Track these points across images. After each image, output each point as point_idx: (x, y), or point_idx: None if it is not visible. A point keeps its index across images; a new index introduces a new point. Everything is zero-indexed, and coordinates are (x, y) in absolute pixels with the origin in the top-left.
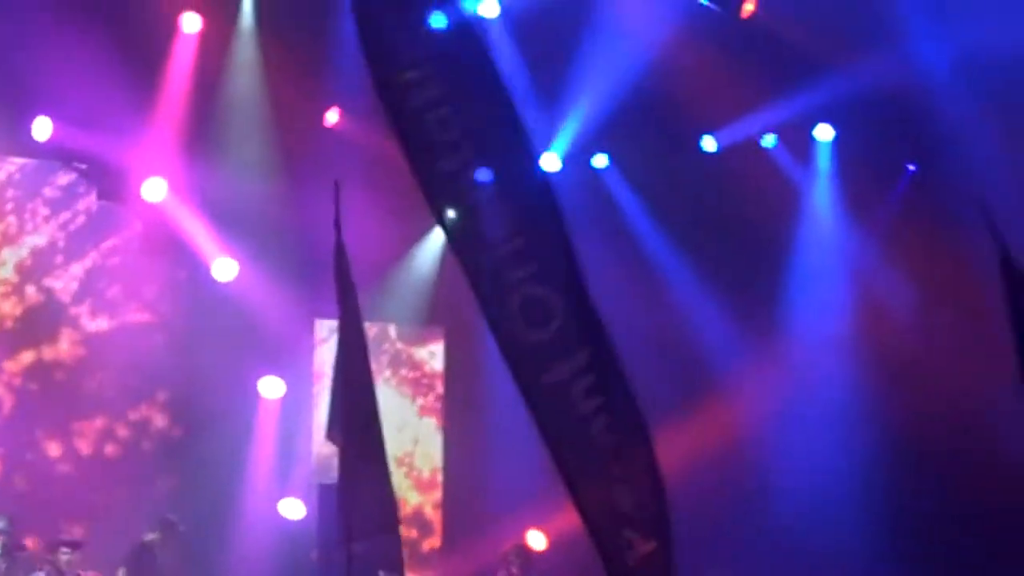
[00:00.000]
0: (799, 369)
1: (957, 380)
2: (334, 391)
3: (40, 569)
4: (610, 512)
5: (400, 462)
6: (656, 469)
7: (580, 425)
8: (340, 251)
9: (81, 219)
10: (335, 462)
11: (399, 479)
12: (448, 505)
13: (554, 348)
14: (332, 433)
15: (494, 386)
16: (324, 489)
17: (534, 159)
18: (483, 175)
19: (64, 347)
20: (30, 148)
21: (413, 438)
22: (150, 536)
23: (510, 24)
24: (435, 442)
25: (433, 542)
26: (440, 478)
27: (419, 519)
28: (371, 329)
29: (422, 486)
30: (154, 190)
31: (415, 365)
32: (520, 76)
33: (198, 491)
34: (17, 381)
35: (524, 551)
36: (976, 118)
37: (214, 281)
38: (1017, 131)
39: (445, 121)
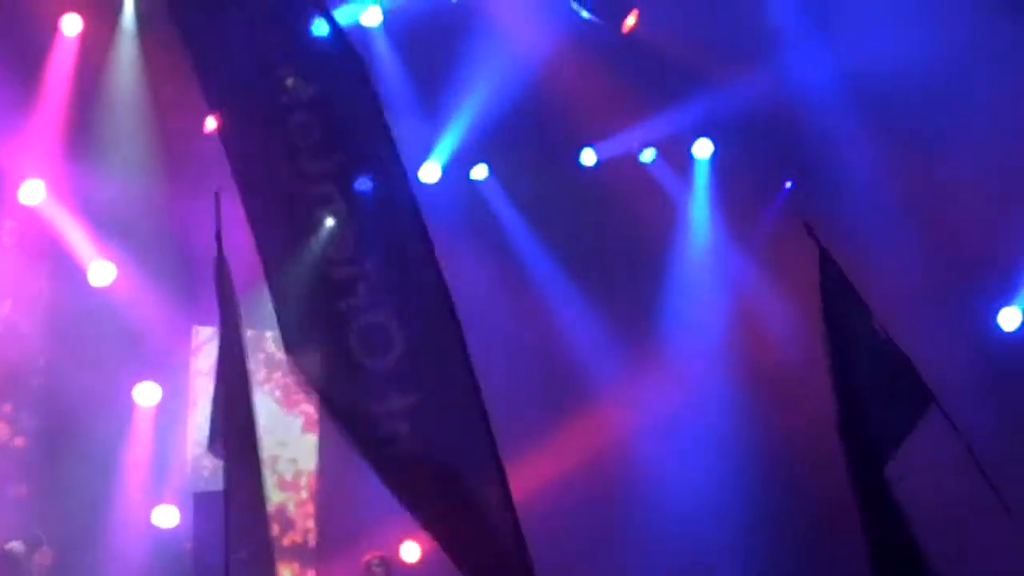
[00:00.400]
0: (676, 383)
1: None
2: (215, 405)
3: None
4: (439, 544)
5: (265, 463)
6: (501, 505)
7: (385, 469)
8: (221, 263)
9: None
10: (211, 466)
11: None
12: (322, 513)
13: (392, 379)
14: (214, 447)
15: None
16: (199, 498)
17: (403, 177)
18: (342, 189)
19: None
20: None
21: (280, 441)
22: (11, 544)
23: (392, 32)
24: (302, 447)
25: (294, 536)
26: (303, 481)
27: (280, 515)
28: (248, 335)
29: (284, 485)
30: (31, 192)
31: (289, 372)
32: (401, 85)
33: (70, 498)
34: None
35: (385, 562)
36: (853, 134)
37: (90, 285)
38: (893, 146)
39: (308, 126)
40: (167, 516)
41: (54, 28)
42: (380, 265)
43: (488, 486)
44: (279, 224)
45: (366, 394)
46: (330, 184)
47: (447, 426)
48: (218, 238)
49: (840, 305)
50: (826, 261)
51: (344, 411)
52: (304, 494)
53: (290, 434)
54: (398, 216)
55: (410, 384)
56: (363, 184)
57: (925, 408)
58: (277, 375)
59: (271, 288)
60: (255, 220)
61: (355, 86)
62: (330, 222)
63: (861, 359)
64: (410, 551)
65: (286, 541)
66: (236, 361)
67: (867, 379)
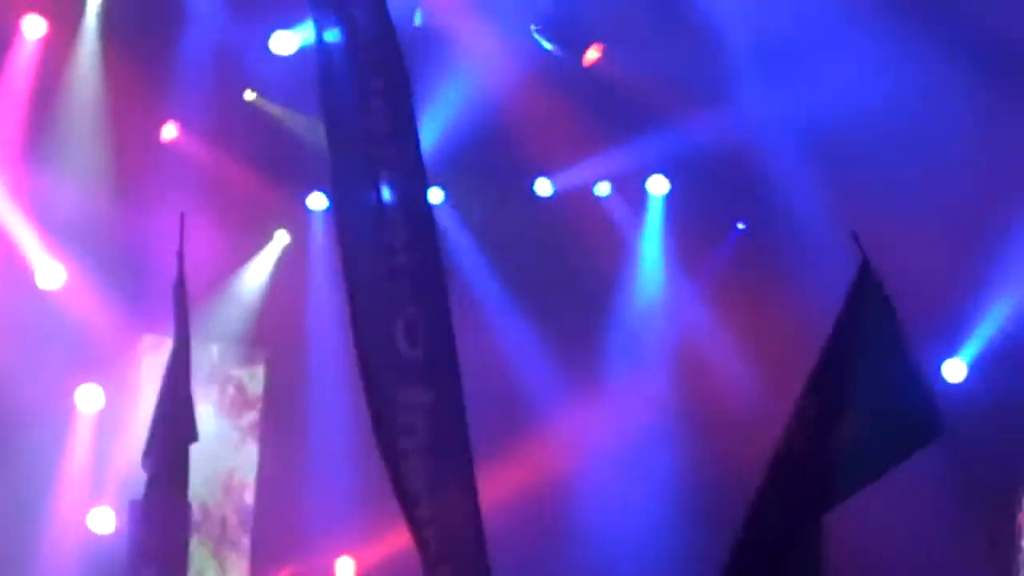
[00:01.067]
0: (620, 419)
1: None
2: (155, 420)
3: None
4: (424, 550)
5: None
6: (474, 514)
7: (397, 460)
8: (180, 285)
9: None
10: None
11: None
12: (259, 525)
13: (421, 371)
14: (146, 461)
15: (315, 412)
16: (134, 505)
17: (425, 177)
18: (394, 179)
19: None
20: None
21: (214, 449)
22: None
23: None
24: (238, 455)
25: (211, 526)
26: (232, 483)
27: (203, 509)
28: (194, 347)
29: (211, 487)
30: None
31: (235, 385)
32: None
33: (3, 501)
34: None
35: None
36: (804, 178)
37: (37, 287)
38: (843, 192)
39: (380, 113)
40: (103, 521)
41: (14, 29)
42: (421, 260)
43: (467, 494)
44: (353, 200)
45: (398, 381)
46: (387, 173)
47: (446, 430)
48: (180, 259)
49: (867, 319)
50: (866, 272)
51: (381, 397)
52: (227, 494)
53: (227, 443)
54: (426, 220)
55: (430, 380)
56: (406, 181)
57: (921, 444)
58: (219, 389)
59: (343, 264)
60: (334, 188)
61: (406, 85)
62: (388, 209)
63: (873, 380)
64: (345, 567)
65: (203, 529)
66: (181, 380)
67: (870, 402)
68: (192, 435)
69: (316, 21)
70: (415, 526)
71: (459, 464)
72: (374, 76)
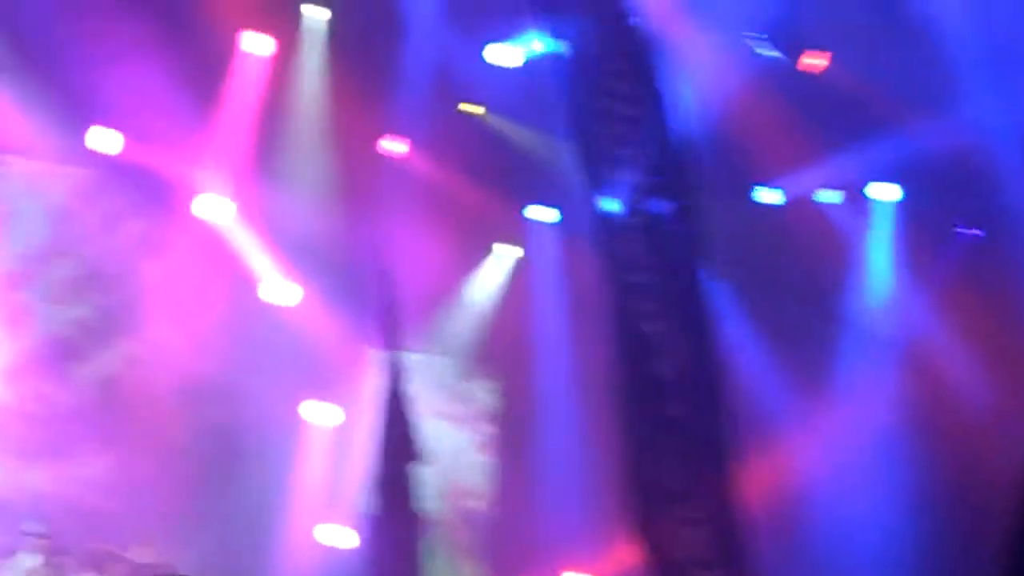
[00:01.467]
0: (852, 421)
1: (1013, 444)
2: (382, 443)
3: None
4: (679, 551)
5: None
6: (733, 511)
7: (652, 465)
8: (391, 313)
9: (136, 235)
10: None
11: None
12: (494, 541)
13: (671, 385)
14: (377, 483)
15: (544, 427)
16: (367, 520)
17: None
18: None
19: (112, 364)
20: (89, 159)
21: (448, 461)
22: None
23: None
24: (468, 466)
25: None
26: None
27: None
28: (424, 360)
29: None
30: (213, 209)
31: (462, 397)
32: None
33: (240, 517)
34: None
35: None
36: None
37: (269, 304)
38: None
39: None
40: (335, 535)
41: (234, 43)
42: (667, 275)
43: (730, 496)
44: (598, 215)
45: (652, 391)
46: (631, 187)
47: (704, 436)
48: (384, 283)
49: None
50: None
51: (635, 408)
52: (453, 502)
53: (454, 452)
54: (672, 234)
55: (684, 393)
56: (650, 195)
57: None
58: (445, 397)
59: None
60: (578, 202)
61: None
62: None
63: None
64: None
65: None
66: (403, 401)
67: None
68: (421, 457)
69: (555, 35)
70: (684, 526)
71: (722, 468)
72: (618, 91)
